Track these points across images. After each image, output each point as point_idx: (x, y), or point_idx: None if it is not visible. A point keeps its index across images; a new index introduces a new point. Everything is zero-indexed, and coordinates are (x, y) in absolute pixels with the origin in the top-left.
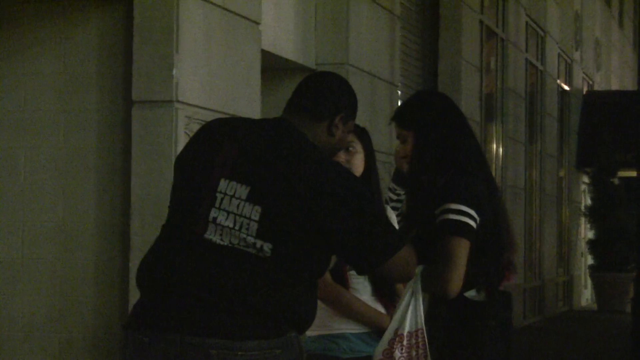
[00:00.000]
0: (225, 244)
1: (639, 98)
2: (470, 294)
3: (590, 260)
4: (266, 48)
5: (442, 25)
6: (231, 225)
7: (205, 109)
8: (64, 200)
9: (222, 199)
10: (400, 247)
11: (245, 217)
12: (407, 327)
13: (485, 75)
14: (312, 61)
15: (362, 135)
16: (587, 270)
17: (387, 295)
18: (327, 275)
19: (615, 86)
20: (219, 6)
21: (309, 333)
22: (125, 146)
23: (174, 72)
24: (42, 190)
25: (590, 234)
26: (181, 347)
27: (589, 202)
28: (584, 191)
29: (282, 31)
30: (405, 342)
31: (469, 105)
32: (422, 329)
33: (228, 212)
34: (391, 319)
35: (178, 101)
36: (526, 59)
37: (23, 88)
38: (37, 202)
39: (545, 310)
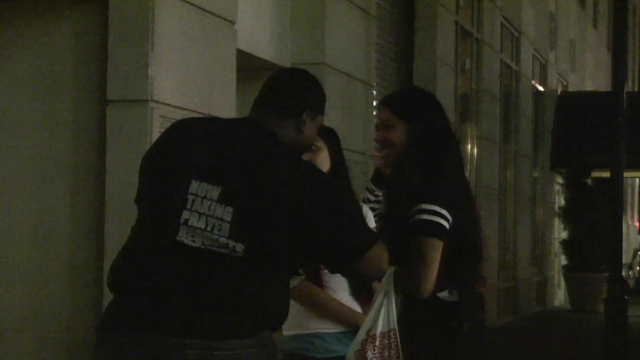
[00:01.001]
0: (197, 245)
1: (613, 99)
2: (443, 294)
3: (563, 261)
4: (242, 48)
5: (418, 25)
6: (203, 227)
7: (180, 108)
8: (38, 200)
9: (193, 201)
10: (373, 243)
11: (216, 218)
12: (379, 328)
13: (460, 75)
14: (288, 61)
15: (328, 134)
16: (561, 271)
17: (365, 294)
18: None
19: (589, 87)
20: (195, 5)
21: (284, 332)
22: (100, 145)
23: (149, 71)
24: (16, 189)
25: (564, 235)
26: (158, 347)
27: (562, 202)
28: (558, 192)
29: (257, 31)
30: (377, 343)
31: (444, 106)
32: (395, 330)
33: (199, 214)
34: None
35: (153, 100)
36: (501, 60)
37: None
38: (11, 202)
39: (519, 310)
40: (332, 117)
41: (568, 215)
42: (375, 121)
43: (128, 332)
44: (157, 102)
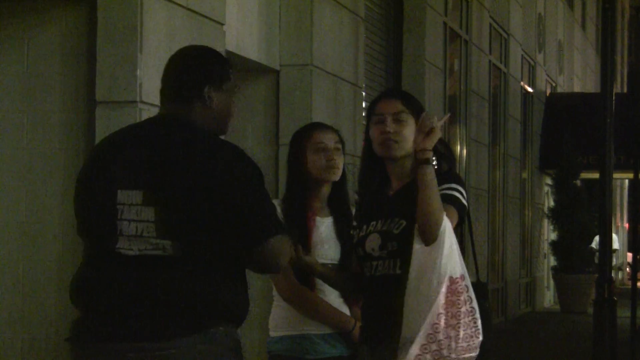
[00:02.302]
0: (134, 253)
1: (601, 100)
2: None
3: (552, 262)
4: (230, 49)
5: (406, 27)
6: (134, 233)
7: None
8: (27, 201)
9: (122, 210)
10: (277, 233)
11: (144, 221)
12: (458, 271)
13: (449, 77)
14: (276, 62)
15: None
16: (550, 272)
17: (354, 296)
18: (292, 277)
19: (577, 88)
20: (183, 7)
21: (272, 334)
22: (89, 147)
23: (138, 72)
24: (5, 190)
25: (553, 236)
26: (100, 354)
27: (551, 203)
28: (547, 193)
29: (246, 32)
30: (461, 285)
31: (433, 107)
32: (465, 274)
33: (129, 221)
34: (356, 321)
35: (142, 102)
36: (490, 61)
37: None
38: (0, 203)
39: (508, 312)
40: (320, 119)
41: (557, 216)
42: (369, 120)
43: (81, 342)
44: (146, 103)
